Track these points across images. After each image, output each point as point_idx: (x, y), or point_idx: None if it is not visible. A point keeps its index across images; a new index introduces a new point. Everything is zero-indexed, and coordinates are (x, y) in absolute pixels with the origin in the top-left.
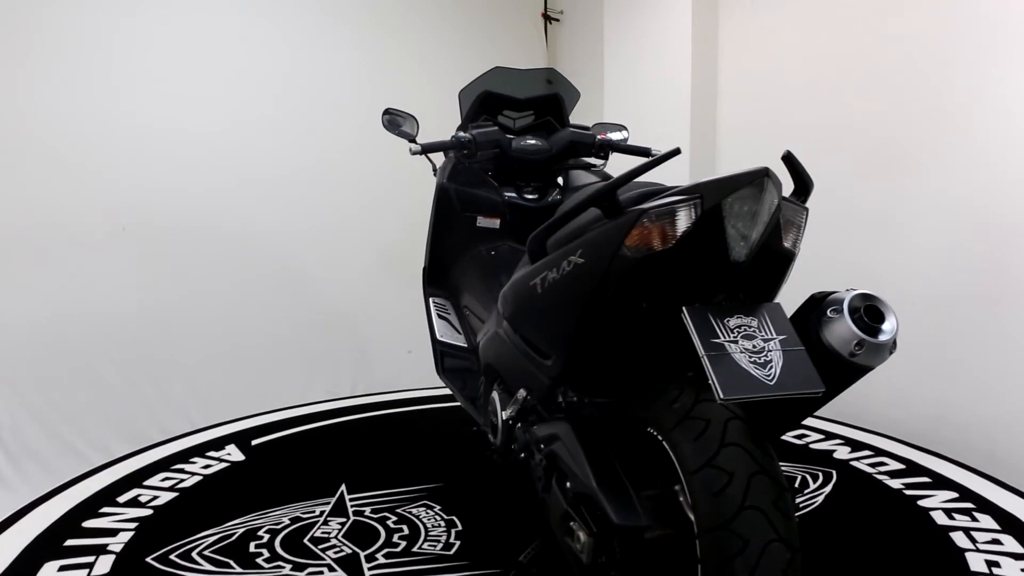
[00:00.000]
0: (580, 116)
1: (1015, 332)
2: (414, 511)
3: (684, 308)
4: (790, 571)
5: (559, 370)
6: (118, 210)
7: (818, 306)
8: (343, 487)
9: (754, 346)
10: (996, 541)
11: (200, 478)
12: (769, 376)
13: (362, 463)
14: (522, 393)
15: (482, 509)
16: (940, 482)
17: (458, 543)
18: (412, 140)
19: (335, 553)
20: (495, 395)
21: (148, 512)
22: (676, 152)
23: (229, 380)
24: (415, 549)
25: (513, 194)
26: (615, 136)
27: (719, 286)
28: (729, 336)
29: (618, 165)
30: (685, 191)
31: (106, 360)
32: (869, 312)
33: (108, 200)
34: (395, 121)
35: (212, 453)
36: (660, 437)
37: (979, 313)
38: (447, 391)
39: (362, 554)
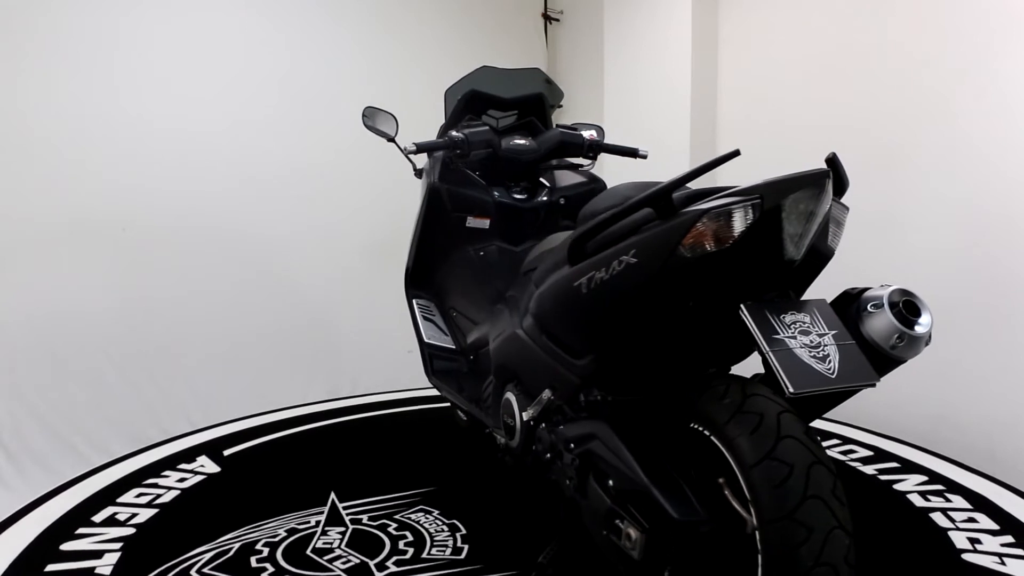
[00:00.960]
0: (581, 116)
1: (1015, 332)
2: (413, 517)
3: (742, 305)
4: (849, 556)
5: (593, 369)
6: (118, 210)
7: (854, 301)
8: (333, 495)
9: (811, 341)
10: (972, 520)
11: (178, 492)
12: (830, 370)
13: (347, 469)
14: (547, 393)
15: (482, 511)
16: (908, 467)
17: (466, 547)
18: (391, 139)
19: (343, 564)
20: (510, 396)
21: (130, 531)
22: (736, 154)
23: (230, 380)
24: (424, 556)
25: (502, 194)
26: (593, 135)
27: (770, 283)
28: (787, 332)
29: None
30: (744, 192)
31: (106, 360)
32: (907, 307)
33: (108, 200)
34: (375, 119)
35: (184, 465)
36: (707, 432)
37: (979, 313)
38: (425, 393)
39: (371, 563)
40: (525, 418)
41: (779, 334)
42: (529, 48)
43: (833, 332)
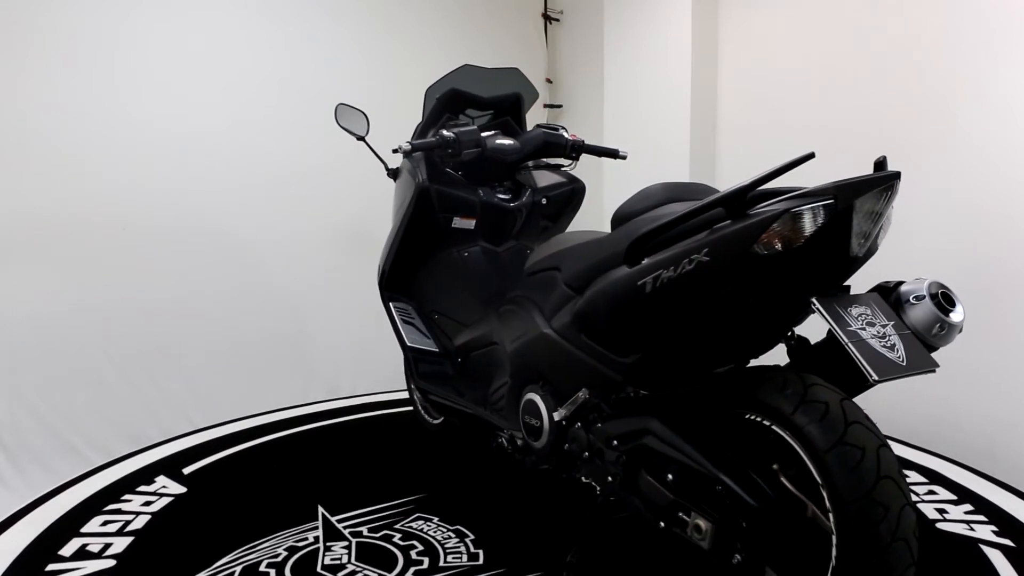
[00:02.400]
0: (581, 116)
1: (1015, 332)
2: (414, 526)
3: (814, 299)
4: (916, 530)
5: (638, 366)
6: (118, 210)
7: (892, 294)
8: (321, 509)
9: (878, 332)
10: (932, 492)
11: (148, 517)
12: (900, 358)
13: (325, 480)
14: (583, 393)
15: (483, 515)
16: None
17: (481, 552)
18: (360, 138)
19: None
20: (534, 397)
21: (109, 563)
22: (811, 156)
23: (230, 380)
24: (442, 564)
25: (488, 194)
26: (576, 135)
27: (830, 279)
28: (857, 324)
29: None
30: (816, 193)
31: (106, 360)
32: (943, 298)
33: (108, 200)
34: (347, 117)
35: (144, 488)
36: (767, 422)
37: (979, 313)
38: (383, 397)
39: None
40: (557, 418)
41: (851, 326)
42: (529, 48)
43: (892, 323)
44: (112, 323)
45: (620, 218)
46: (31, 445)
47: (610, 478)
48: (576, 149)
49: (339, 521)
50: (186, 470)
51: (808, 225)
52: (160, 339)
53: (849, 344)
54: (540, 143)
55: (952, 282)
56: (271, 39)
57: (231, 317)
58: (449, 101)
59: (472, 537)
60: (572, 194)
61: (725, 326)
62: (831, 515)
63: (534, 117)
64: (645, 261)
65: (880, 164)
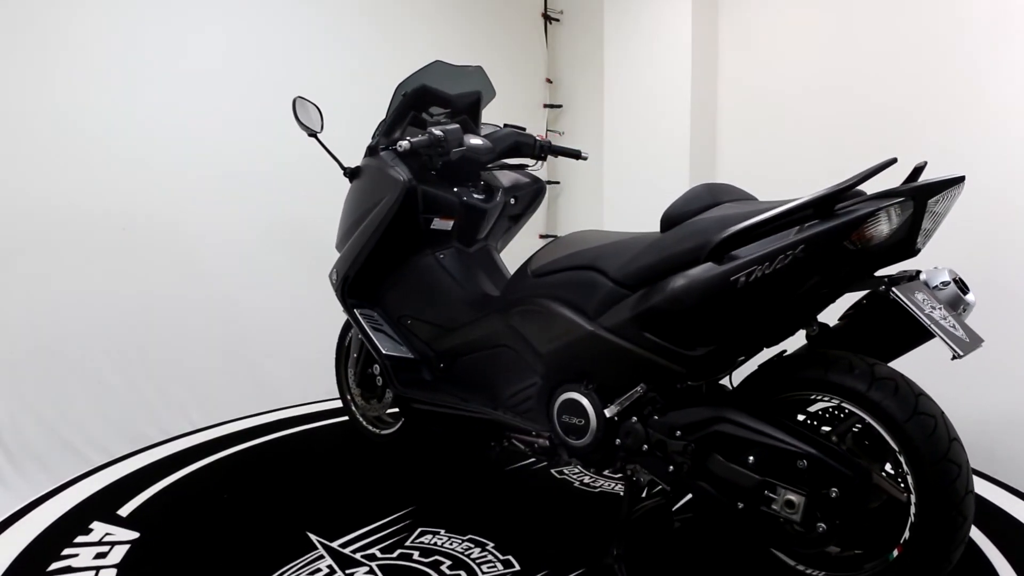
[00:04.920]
0: (581, 116)
1: (1015, 332)
2: (426, 541)
3: (893, 288)
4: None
5: (707, 358)
6: (118, 210)
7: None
8: (313, 536)
9: (941, 315)
10: None
11: (114, 571)
12: (963, 336)
13: (296, 502)
14: (641, 387)
15: (486, 520)
16: None
17: (511, 557)
18: (313, 134)
19: None
20: (576, 396)
21: None
22: (893, 161)
23: (230, 380)
24: None
25: (466, 194)
26: (543, 136)
27: (878, 268)
28: (927, 308)
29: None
30: (898, 194)
31: (106, 360)
32: (961, 282)
33: (108, 200)
34: (303, 111)
35: (83, 539)
36: (837, 399)
37: (979, 312)
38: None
39: None
40: (608, 414)
41: (925, 310)
42: (529, 48)
43: (943, 306)
44: (112, 323)
45: (673, 219)
46: (31, 445)
47: (672, 468)
48: (544, 149)
49: (344, 546)
50: (122, 511)
51: (890, 224)
52: (160, 339)
53: (932, 325)
54: (511, 143)
55: None
56: (270, 40)
57: (232, 316)
58: (417, 98)
59: (492, 544)
60: (536, 194)
61: (790, 315)
62: (910, 477)
63: (534, 117)
64: (737, 259)
65: (919, 170)
